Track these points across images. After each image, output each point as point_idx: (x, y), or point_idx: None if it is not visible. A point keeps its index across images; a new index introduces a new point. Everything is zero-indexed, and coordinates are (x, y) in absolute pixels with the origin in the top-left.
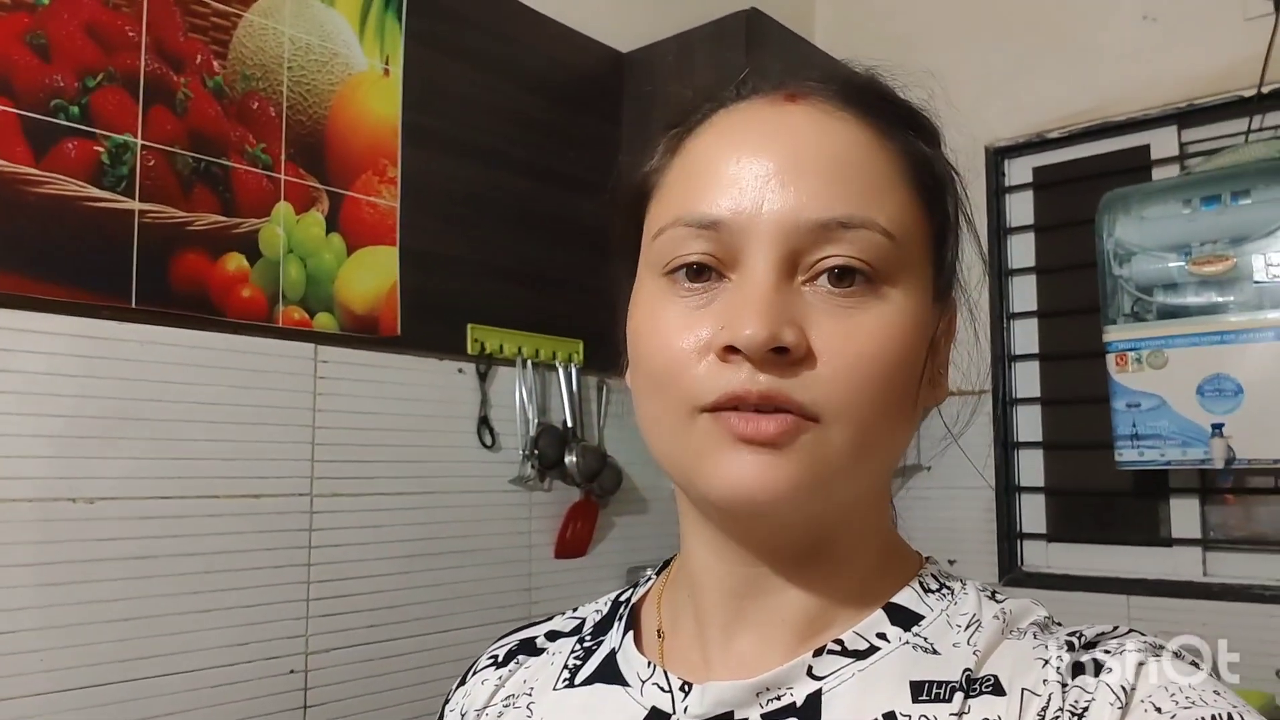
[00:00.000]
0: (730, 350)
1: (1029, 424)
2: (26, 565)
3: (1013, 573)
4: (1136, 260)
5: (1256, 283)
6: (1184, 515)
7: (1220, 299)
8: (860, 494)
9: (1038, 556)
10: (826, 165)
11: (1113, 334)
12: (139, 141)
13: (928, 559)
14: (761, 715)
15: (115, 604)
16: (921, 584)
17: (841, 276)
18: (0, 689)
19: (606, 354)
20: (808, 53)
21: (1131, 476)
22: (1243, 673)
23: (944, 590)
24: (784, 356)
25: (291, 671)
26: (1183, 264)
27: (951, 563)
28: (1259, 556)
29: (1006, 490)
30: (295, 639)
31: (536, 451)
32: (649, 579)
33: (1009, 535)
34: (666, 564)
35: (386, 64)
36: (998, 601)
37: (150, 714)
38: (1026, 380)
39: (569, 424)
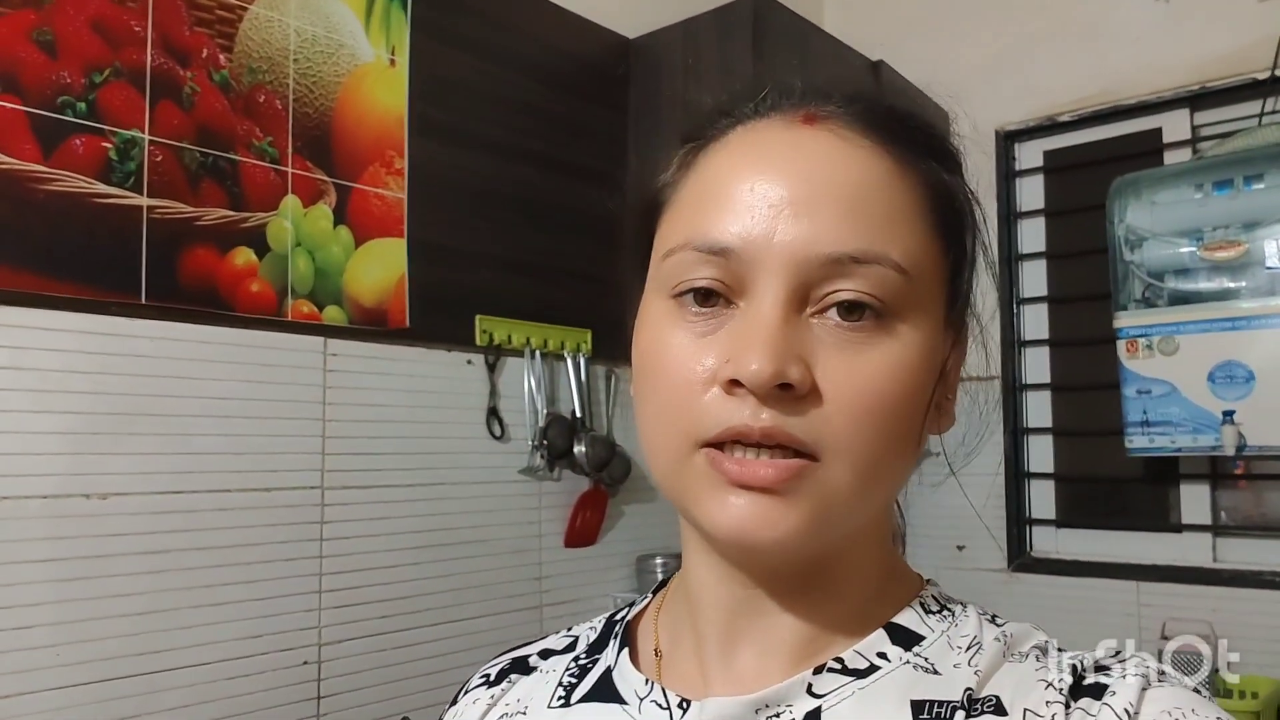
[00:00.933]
0: (735, 383)
1: (1039, 410)
2: (40, 561)
3: (1022, 558)
4: (1148, 245)
5: (1269, 268)
6: (1194, 501)
7: (1232, 285)
8: (862, 525)
9: (1047, 542)
10: (841, 196)
11: (1124, 320)
12: (146, 137)
13: (928, 581)
14: None
15: (128, 599)
16: (922, 605)
17: (851, 310)
18: (15, 684)
19: (614, 343)
20: (816, 39)
21: (1141, 462)
22: (1252, 659)
23: (945, 612)
24: (789, 392)
25: (305, 663)
26: (1194, 249)
27: (960, 549)
28: (1269, 542)
29: (1016, 476)
30: (308, 631)
31: (545, 441)
32: (645, 599)
33: (1018, 521)
34: (662, 584)
35: (392, 54)
36: (998, 625)
37: (164, 707)
38: (1037, 366)
39: (578, 413)
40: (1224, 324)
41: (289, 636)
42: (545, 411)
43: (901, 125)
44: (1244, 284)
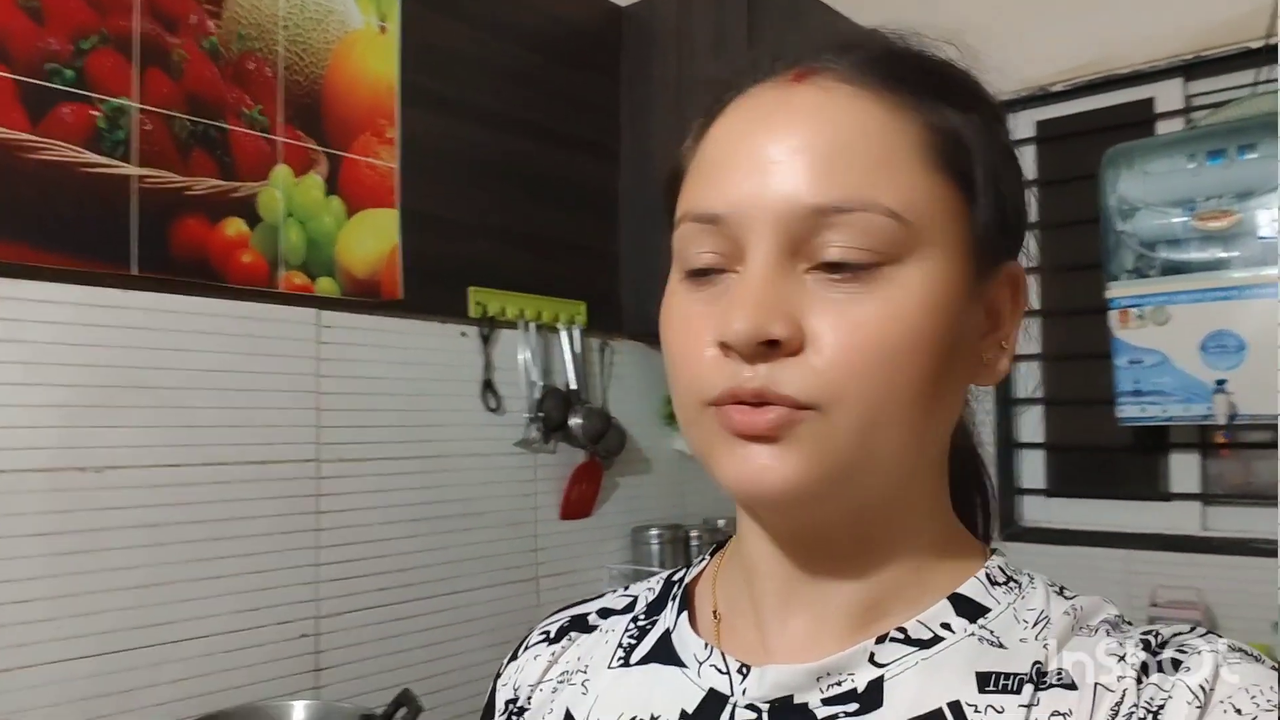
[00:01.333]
0: (725, 345)
1: (1029, 380)
2: (37, 535)
3: (1012, 527)
4: (1140, 215)
5: (1261, 238)
6: (1184, 470)
7: (1224, 254)
8: (897, 481)
9: (1038, 511)
10: (826, 147)
11: (1115, 290)
12: (135, 105)
13: (994, 551)
14: (821, 700)
15: (126, 572)
16: (988, 576)
17: (839, 267)
18: (13, 658)
19: (609, 315)
20: (809, 4)
21: (1131, 431)
22: (1240, 625)
23: (1011, 583)
24: (777, 349)
25: (303, 636)
26: (1187, 219)
27: None
28: (1257, 510)
29: (1006, 445)
30: (306, 604)
31: (541, 414)
32: (702, 560)
33: (1009, 490)
34: (720, 546)
35: (383, 21)
36: (1067, 598)
37: (163, 680)
38: (1028, 336)
39: (572, 386)
40: (1216, 294)
41: (287, 609)
42: (540, 384)
43: (898, 67)
44: (1236, 254)
